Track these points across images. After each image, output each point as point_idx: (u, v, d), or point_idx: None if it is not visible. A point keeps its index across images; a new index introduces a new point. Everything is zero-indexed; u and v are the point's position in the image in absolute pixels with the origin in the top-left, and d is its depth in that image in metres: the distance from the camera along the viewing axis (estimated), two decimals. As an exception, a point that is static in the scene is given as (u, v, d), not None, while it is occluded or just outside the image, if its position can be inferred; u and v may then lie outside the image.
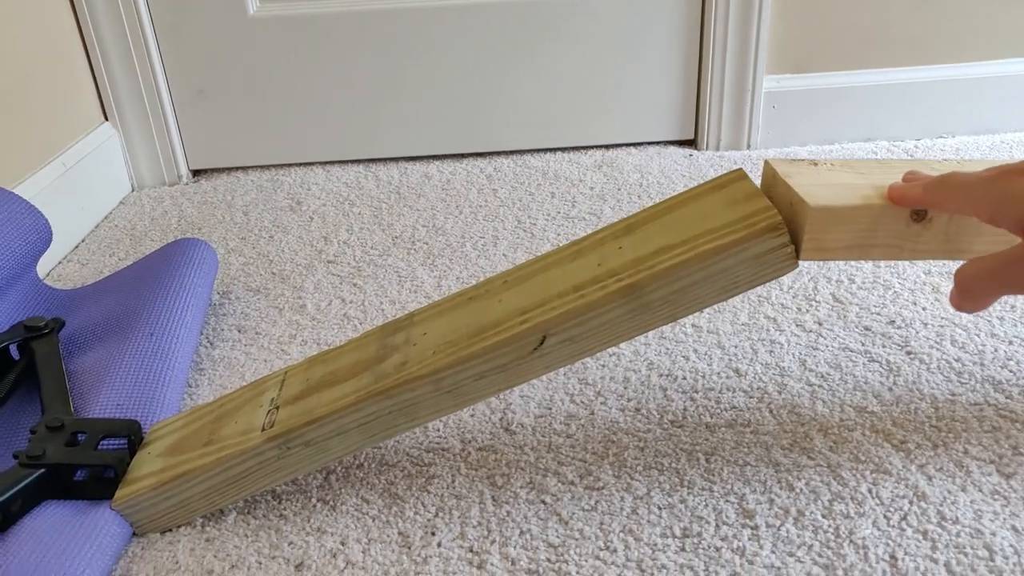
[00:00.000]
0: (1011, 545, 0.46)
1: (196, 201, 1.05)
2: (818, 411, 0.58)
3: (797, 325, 0.69)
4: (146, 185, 1.11)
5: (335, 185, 1.07)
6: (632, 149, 1.13)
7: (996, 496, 0.50)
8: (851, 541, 0.47)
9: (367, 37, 1.07)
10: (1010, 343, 0.64)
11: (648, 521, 0.50)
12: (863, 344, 0.66)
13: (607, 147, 1.14)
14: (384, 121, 1.12)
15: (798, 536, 0.48)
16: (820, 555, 0.46)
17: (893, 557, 0.46)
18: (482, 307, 0.51)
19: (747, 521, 0.49)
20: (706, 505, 0.50)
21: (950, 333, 0.66)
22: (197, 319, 0.70)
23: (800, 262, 0.45)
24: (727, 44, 1.06)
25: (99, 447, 0.53)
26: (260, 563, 0.49)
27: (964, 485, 0.51)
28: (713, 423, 0.58)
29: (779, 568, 0.46)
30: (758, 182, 0.49)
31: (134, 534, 0.51)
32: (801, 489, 0.51)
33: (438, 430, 0.59)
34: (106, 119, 1.07)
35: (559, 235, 0.89)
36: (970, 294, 0.41)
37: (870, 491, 0.51)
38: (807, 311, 0.71)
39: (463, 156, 1.15)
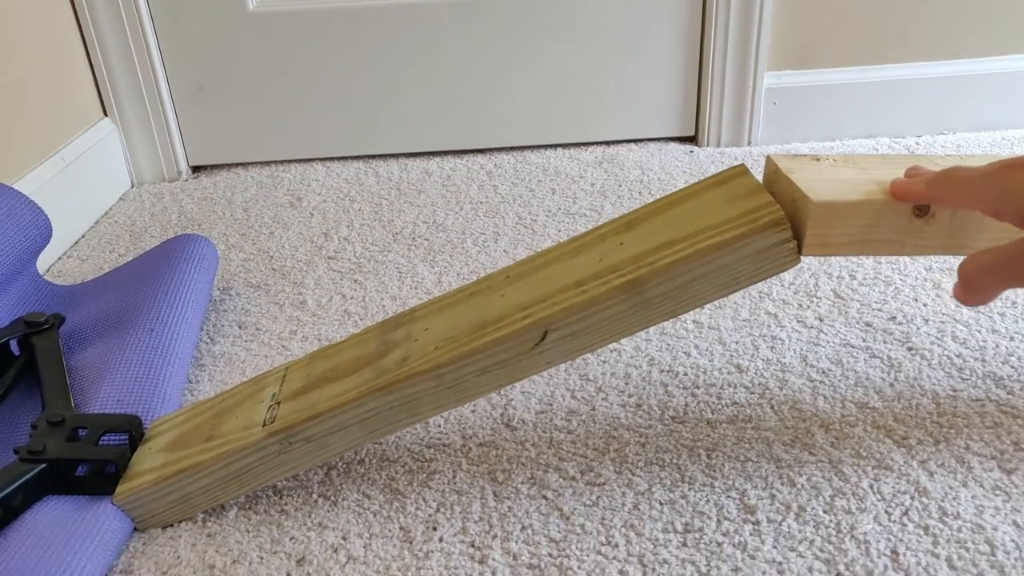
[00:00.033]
0: (1012, 540, 0.46)
1: (196, 197, 1.05)
2: (819, 407, 0.58)
3: (798, 321, 0.69)
4: (146, 181, 1.11)
5: (335, 181, 1.07)
6: (633, 145, 1.13)
7: (997, 491, 0.50)
8: (853, 536, 0.47)
9: (367, 33, 1.07)
10: (1011, 339, 0.64)
11: (650, 516, 0.50)
12: (864, 340, 0.66)
13: (608, 143, 1.14)
14: (384, 117, 1.12)
15: (800, 531, 0.48)
16: (822, 550, 0.46)
17: (895, 552, 0.46)
18: (483, 303, 0.51)
19: (749, 516, 0.49)
20: (707, 500, 0.50)
21: (951, 329, 0.66)
22: (198, 315, 0.70)
23: (801, 258, 0.45)
24: (728, 40, 1.06)
25: (100, 442, 0.53)
26: (261, 558, 0.49)
27: (965, 481, 0.51)
28: (714, 419, 0.58)
29: (780, 563, 0.46)
30: (759, 178, 0.49)
31: (135, 529, 0.51)
32: (803, 485, 0.51)
33: (439, 426, 0.59)
34: (106, 115, 1.07)
35: (560, 231, 0.89)
36: (973, 288, 0.41)
37: (872, 487, 0.51)
38: (808, 307, 0.71)
39: (464, 152, 1.14)
